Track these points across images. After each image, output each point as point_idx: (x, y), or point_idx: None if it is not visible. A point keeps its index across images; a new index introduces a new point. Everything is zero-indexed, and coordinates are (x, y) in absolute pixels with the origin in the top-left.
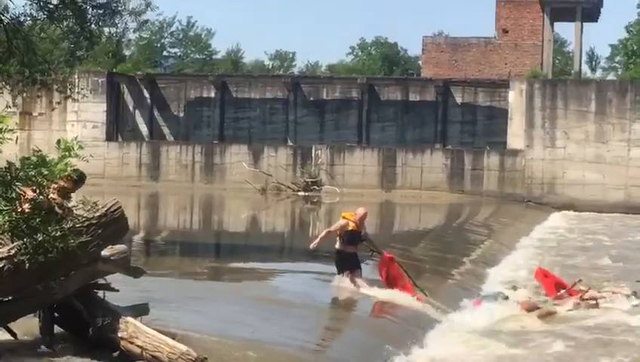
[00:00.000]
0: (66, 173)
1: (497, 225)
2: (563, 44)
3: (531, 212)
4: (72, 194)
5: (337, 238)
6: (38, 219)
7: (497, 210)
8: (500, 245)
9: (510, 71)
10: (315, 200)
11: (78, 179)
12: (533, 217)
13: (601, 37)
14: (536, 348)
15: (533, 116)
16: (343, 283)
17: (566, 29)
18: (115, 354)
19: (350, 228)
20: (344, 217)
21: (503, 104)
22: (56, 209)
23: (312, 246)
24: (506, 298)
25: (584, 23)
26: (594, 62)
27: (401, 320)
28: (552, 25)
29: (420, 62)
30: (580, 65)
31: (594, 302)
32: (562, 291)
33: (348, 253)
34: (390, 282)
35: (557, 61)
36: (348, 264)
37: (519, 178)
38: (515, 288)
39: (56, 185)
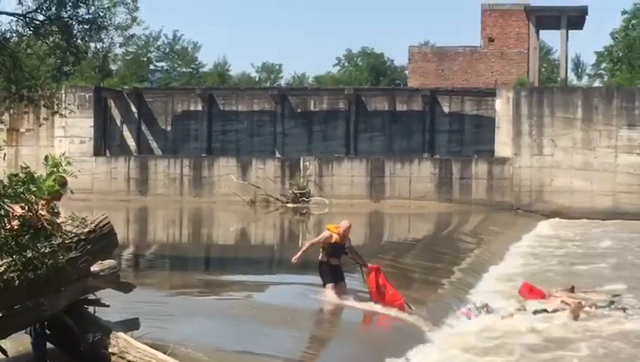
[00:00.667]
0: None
1: (486, 233)
2: (549, 52)
3: (520, 220)
4: (61, 210)
5: (321, 250)
6: (27, 236)
7: (486, 218)
8: (489, 254)
9: (497, 79)
10: (304, 211)
11: (61, 184)
12: (522, 225)
13: (586, 44)
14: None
15: (521, 124)
16: (327, 296)
17: (552, 37)
18: None
19: (334, 241)
20: (328, 229)
21: (490, 112)
22: (45, 225)
23: (294, 259)
24: (491, 311)
25: (569, 31)
26: (580, 70)
27: (388, 331)
28: (537, 33)
29: (406, 72)
30: (566, 73)
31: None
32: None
33: (331, 265)
34: (377, 292)
35: (543, 69)
36: (332, 276)
37: (507, 186)
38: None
39: (44, 201)
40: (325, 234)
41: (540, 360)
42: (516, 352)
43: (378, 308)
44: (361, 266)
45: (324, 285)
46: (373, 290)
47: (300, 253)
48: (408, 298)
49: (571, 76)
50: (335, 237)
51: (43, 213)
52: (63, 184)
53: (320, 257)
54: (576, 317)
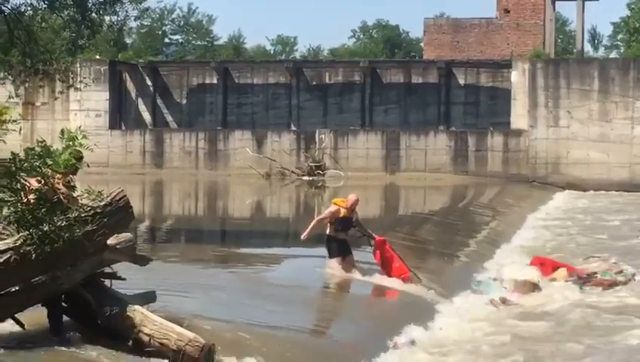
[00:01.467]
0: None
1: (502, 206)
2: (565, 23)
3: (536, 192)
4: (77, 184)
5: (328, 225)
6: (43, 210)
7: (502, 190)
8: (505, 226)
9: (512, 51)
10: (319, 184)
11: (77, 158)
12: (538, 197)
13: (602, 15)
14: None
15: (537, 96)
16: (334, 269)
17: (567, 8)
18: (127, 344)
19: (342, 215)
20: (335, 203)
21: (505, 84)
22: (62, 198)
23: (302, 236)
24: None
25: (585, 2)
26: (596, 41)
27: (401, 303)
28: (553, 4)
29: (421, 44)
30: (582, 44)
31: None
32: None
33: (339, 239)
34: (384, 264)
35: (559, 40)
36: (339, 250)
37: (523, 158)
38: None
39: (60, 175)
40: (332, 208)
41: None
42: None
43: (386, 280)
44: (369, 239)
45: (330, 258)
46: (380, 263)
47: (307, 229)
48: (424, 270)
49: (587, 47)
50: (343, 211)
51: (59, 186)
52: (79, 158)
53: (327, 231)
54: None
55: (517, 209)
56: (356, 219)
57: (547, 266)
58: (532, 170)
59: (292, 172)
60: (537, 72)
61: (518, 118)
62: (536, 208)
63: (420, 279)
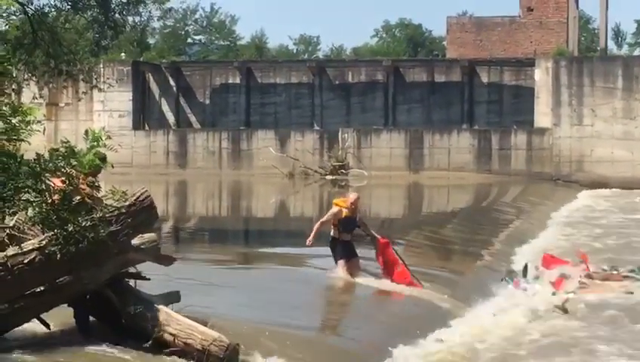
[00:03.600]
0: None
1: (526, 204)
2: (588, 21)
3: (560, 190)
4: (101, 184)
5: (332, 227)
6: (67, 210)
7: (526, 189)
8: (529, 225)
9: (536, 49)
10: (342, 183)
11: (100, 159)
12: (562, 196)
13: (626, 12)
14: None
15: (560, 94)
16: (338, 273)
17: (591, 5)
18: (148, 343)
19: (344, 215)
20: (336, 204)
21: (529, 83)
22: (86, 199)
23: (307, 242)
24: (537, 277)
25: None
26: (620, 39)
27: (421, 305)
28: (576, 1)
29: (444, 42)
30: (606, 42)
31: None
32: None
33: (343, 241)
34: (386, 268)
35: (582, 38)
36: (343, 253)
37: (547, 156)
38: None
39: (84, 176)
40: (334, 210)
41: None
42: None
43: (390, 284)
44: (372, 240)
45: (335, 262)
46: (381, 266)
47: (312, 235)
48: (448, 269)
49: (611, 45)
50: (345, 212)
51: (83, 186)
52: (103, 159)
53: (331, 233)
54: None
55: (541, 207)
56: (360, 219)
57: (557, 264)
58: (556, 168)
59: (315, 171)
60: (561, 70)
61: (542, 116)
62: (560, 207)
63: (421, 284)
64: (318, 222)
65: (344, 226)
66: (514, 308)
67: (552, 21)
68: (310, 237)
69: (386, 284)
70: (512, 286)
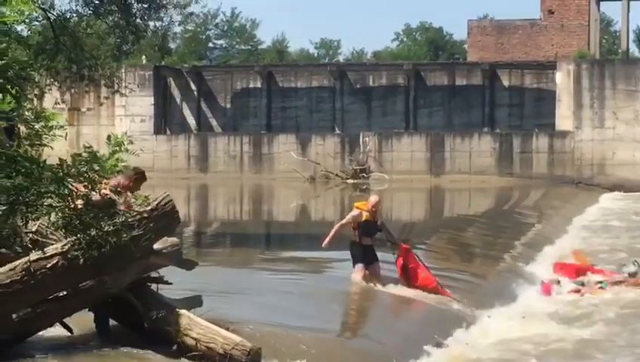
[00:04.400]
0: (128, 172)
1: (548, 207)
2: (609, 24)
3: (582, 193)
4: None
5: (352, 230)
6: (90, 215)
7: (547, 192)
8: (551, 228)
9: (557, 52)
10: (363, 187)
11: (141, 176)
12: (584, 199)
13: None
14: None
15: (582, 97)
16: (354, 278)
17: (612, 8)
18: (173, 348)
19: (364, 219)
20: (357, 207)
21: (550, 86)
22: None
23: (323, 244)
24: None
25: (631, 2)
26: None
27: (443, 308)
28: (598, 4)
29: (465, 46)
30: (628, 45)
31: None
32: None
33: (364, 245)
34: (408, 274)
35: (604, 41)
36: (363, 257)
37: (568, 160)
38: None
39: (115, 182)
40: (354, 212)
41: None
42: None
43: (410, 290)
44: (393, 245)
45: (353, 266)
46: (400, 273)
47: (328, 237)
48: (469, 273)
49: (633, 48)
50: (365, 215)
51: (106, 191)
52: (142, 173)
53: (351, 237)
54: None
55: (563, 211)
56: (381, 223)
57: (569, 270)
58: (577, 171)
59: (336, 175)
60: (582, 73)
61: (563, 119)
62: (582, 210)
63: (446, 291)
64: (337, 225)
65: (364, 230)
66: (540, 312)
67: (573, 24)
68: (326, 240)
69: (405, 290)
70: (539, 289)
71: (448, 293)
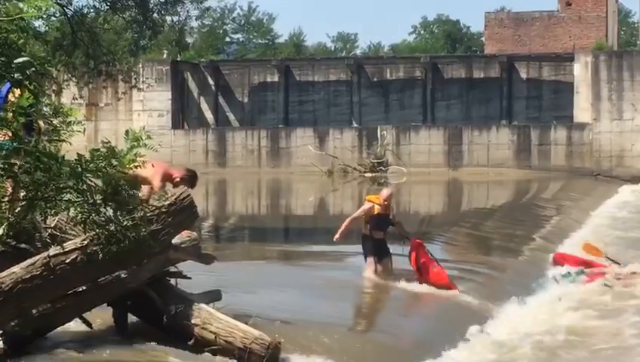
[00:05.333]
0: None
1: (566, 200)
2: (627, 15)
3: (601, 186)
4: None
5: (364, 224)
6: (110, 210)
7: (566, 184)
8: (570, 220)
9: (575, 44)
10: (382, 180)
11: (193, 176)
12: (603, 191)
13: None
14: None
15: (600, 89)
16: (368, 273)
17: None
18: (190, 341)
19: (376, 212)
20: (369, 200)
21: (568, 78)
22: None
23: (334, 238)
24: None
25: None
26: None
27: (463, 302)
28: None
29: (482, 38)
30: None
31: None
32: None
33: (375, 239)
34: (419, 269)
35: (622, 32)
36: (375, 251)
37: (587, 152)
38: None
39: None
40: (366, 206)
41: None
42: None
43: (423, 286)
44: (404, 240)
45: (365, 260)
46: (415, 267)
47: (340, 229)
48: (489, 265)
49: None
50: (377, 208)
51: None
52: (192, 176)
53: (363, 231)
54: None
55: (582, 203)
56: (394, 217)
57: (569, 261)
58: (596, 163)
59: (354, 169)
60: (600, 64)
61: (582, 111)
62: (601, 202)
63: (456, 287)
64: (349, 218)
65: (376, 223)
66: (557, 303)
67: (590, 15)
68: (338, 233)
69: (419, 286)
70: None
71: (455, 288)
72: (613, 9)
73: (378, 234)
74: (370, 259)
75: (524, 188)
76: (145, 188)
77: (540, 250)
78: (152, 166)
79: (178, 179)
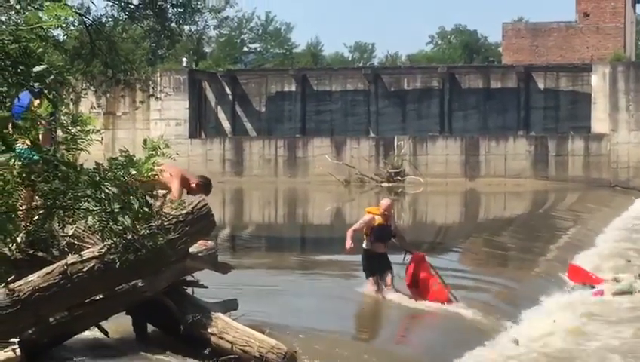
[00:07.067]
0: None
1: (584, 211)
2: None
3: (618, 197)
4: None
5: (364, 237)
6: (127, 219)
7: (583, 195)
8: (587, 231)
9: (592, 55)
10: (398, 190)
11: (208, 183)
12: (620, 202)
13: None
14: None
15: (617, 100)
16: (368, 290)
17: None
18: (206, 350)
19: (377, 223)
20: (369, 212)
21: (585, 88)
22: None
23: (347, 247)
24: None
25: None
26: None
27: (479, 314)
28: (633, 6)
29: (500, 49)
30: None
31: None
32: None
33: (376, 253)
34: (418, 284)
35: None
36: (377, 266)
37: (605, 162)
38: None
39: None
40: (366, 217)
41: None
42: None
43: (425, 303)
44: (406, 253)
45: (366, 276)
46: (409, 282)
47: (348, 243)
48: (504, 276)
49: None
50: (378, 219)
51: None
52: (207, 183)
53: (364, 245)
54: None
55: (599, 214)
56: (395, 228)
57: (580, 276)
58: (614, 174)
59: (371, 178)
60: (618, 75)
61: (599, 122)
62: (618, 213)
63: (457, 300)
64: (349, 230)
65: (377, 236)
66: (570, 313)
67: (608, 26)
68: (348, 245)
69: (420, 302)
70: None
71: (455, 301)
72: (632, 20)
73: (379, 247)
74: (371, 278)
75: (542, 198)
76: (161, 195)
77: (557, 260)
78: (170, 170)
79: (194, 186)
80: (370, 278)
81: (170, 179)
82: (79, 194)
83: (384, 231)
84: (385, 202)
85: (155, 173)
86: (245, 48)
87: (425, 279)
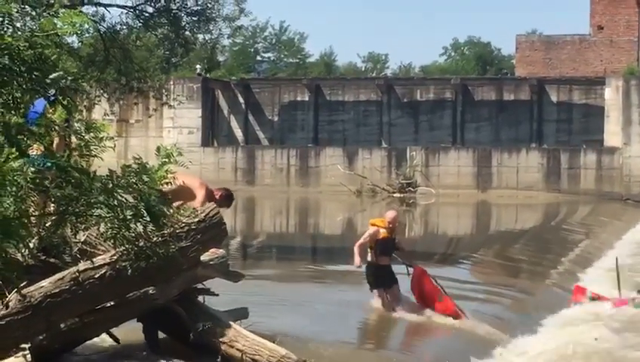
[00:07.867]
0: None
1: (595, 224)
2: None
3: (630, 210)
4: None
5: (369, 250)
6: (140, 226)
7: (595, 208)
8: (598, 244)
9: (606, 68)
10: (410, 201)
11: (230, 195)
12: (633, 215)
13: None
14: None
15: (631, 113)
16: (376, 305)
17: None
18: (218, 359)
19: (382, 236)
20: (373, 224)
21: (599, 101)
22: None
23: (357, 266)
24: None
25: None
26: None
27: (489, 325)
28: None
29: (513, 61)
30: None
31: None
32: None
33: (381, 265)
34: (424, 298)
35: None
36: (382, 280)
37: (617, 176)
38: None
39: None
40: (371, 230)
41: None
42: None
43: (434, 316)
44: (407, 266)
45: (371, 290)
46: (417, 296)
47: (356, 258)
48: (516, 288)
49: None
50: (383, 232)
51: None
52: (229, 196)
53: (369, 258)
54: None
55: (610, 227)
56: (398, 241)
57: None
58: (626, 187)
59: (383, 189)
60: (631, 88)
61: (612, 135)
62: (630, 227)
63: (464, 314)
64: (356, 246)
65: (382, 248)
66: (582, 325)
67: (622, 40)
68: (356, 261)
69: (428, 314)
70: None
71: (463, 316)
72: None
73: (384, 260)
74: (377, 291)
75: (553, 211)
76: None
77: (568, 273)
78: (196, 180)
79: (218, 197)
80: (377, 291)
81: (198, 188)
82: (92, 200)
83: (389, 244)
84: (390, 214)
85: (168, 180)
86: (259, 57)
87: (430, 292)
